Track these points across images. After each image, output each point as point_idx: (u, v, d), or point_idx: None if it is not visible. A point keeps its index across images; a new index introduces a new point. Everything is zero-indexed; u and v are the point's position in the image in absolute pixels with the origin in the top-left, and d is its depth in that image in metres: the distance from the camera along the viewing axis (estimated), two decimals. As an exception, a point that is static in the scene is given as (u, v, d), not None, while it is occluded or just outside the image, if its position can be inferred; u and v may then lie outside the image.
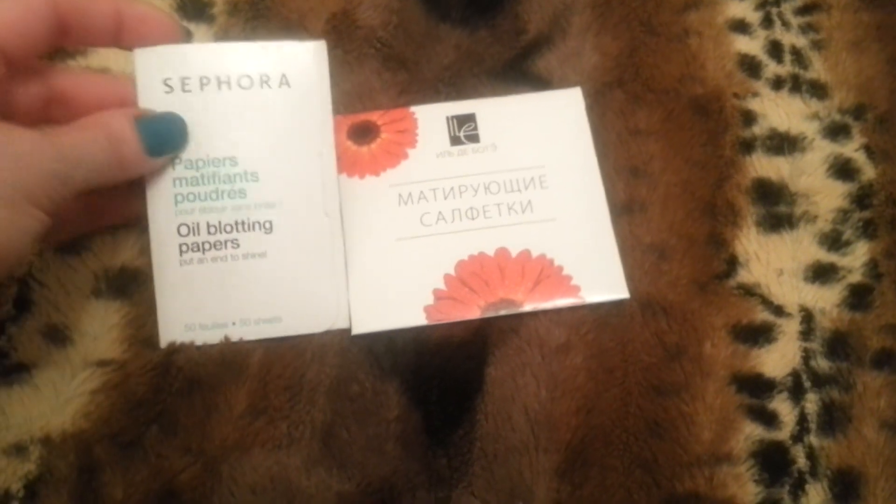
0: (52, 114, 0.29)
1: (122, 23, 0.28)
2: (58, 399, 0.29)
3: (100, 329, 0.31)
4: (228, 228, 0.30)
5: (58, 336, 0.30)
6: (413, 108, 0.35)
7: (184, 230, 0.30)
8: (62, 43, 0.28)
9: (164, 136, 0.29)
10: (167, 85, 0.30)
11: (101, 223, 0.32)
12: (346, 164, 0.34)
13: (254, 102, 0.31)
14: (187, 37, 0.32)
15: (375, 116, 0.35)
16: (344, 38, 0.36)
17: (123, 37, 0.29)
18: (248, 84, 0.31)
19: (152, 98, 0.30)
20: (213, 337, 0.30)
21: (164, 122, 0.29)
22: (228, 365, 0.30)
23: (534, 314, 0.31)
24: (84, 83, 0.30)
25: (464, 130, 0.34)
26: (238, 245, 0.31)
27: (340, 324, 0.31)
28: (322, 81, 0.32)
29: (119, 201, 0.31)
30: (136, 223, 0.32)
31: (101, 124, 0.27)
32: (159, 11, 0.30)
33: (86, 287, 0.31)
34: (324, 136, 0.32)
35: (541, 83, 0.36)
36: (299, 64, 0.31)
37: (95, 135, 0.26)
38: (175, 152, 0.30)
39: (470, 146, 0.34)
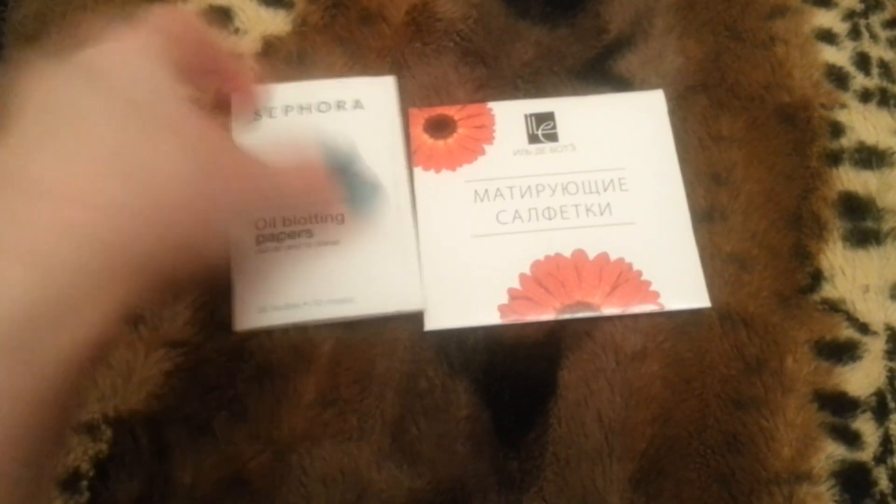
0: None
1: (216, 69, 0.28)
2: (131, 379, 0.29)
3: (172, 311, 0.30)
4: (302, 221, 0.32)
5: (131, 315, 0.30)
6: (490, 104, 0.35)
7: (261, 223, 0.31)
8: None
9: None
10: (256, 114, 0.33)
11: None
12: (422, 158, 0.33)
13: (330, 121, 0.33)
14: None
15: (453, 111, 0.34)
16: (423, 31, 0.36)
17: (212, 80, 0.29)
18: (325, 108, 0.34)
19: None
20: (285, 318, 0.30)
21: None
22: (299, 353, 0.30)
23: (609, 319, 0.31)
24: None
25: (542, 129, 0.34)
26: (312, 234, 0.31)
27: (413, 305, 0.31)
28: (392, 106, 0.34)
29: None
30: None
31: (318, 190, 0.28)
32: (247, 70, 0.32)
33: (159, 268, 0.31)
34: (394, 135, 0.33)
35: (622, 84, 0.35)
36: (372, 93, 0.34)
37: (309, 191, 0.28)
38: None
39: (548, 145, 0.34)
